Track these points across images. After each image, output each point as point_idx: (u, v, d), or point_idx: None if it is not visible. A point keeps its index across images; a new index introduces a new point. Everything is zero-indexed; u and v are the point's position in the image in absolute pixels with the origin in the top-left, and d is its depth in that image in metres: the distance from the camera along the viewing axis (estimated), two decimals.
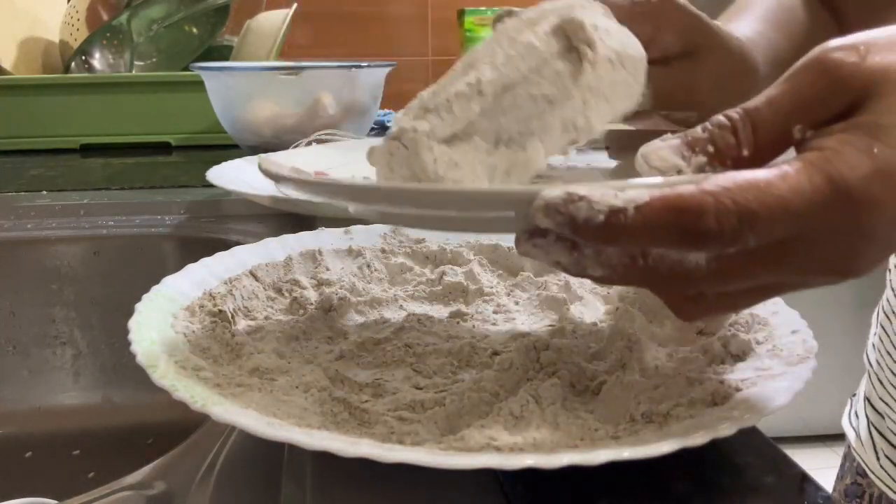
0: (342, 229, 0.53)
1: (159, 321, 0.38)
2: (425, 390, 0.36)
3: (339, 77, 0.98)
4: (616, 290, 0.46)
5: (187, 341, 0.37)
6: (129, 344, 0.35)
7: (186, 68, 1.14)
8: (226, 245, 0.51)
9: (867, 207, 0.25)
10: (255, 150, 0.94)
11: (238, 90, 0.98)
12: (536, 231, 0.26)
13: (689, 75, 0.38)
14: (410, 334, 0.42)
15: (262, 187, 0.72)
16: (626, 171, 0.36)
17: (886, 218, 0.25)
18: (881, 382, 0.61)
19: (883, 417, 0.60)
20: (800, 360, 0.34)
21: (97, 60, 1.19)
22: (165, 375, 0.32)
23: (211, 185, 0.72)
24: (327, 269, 0.49)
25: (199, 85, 1.04)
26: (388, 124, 1.22)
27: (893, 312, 0.60)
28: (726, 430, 0.29)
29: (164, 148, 1.14)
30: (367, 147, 0.42)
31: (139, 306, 0.39)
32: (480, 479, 0.31)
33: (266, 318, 0.43)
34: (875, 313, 0.64)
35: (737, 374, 0.35)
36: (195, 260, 0.45)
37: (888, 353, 0.60)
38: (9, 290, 0.68)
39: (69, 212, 0.74)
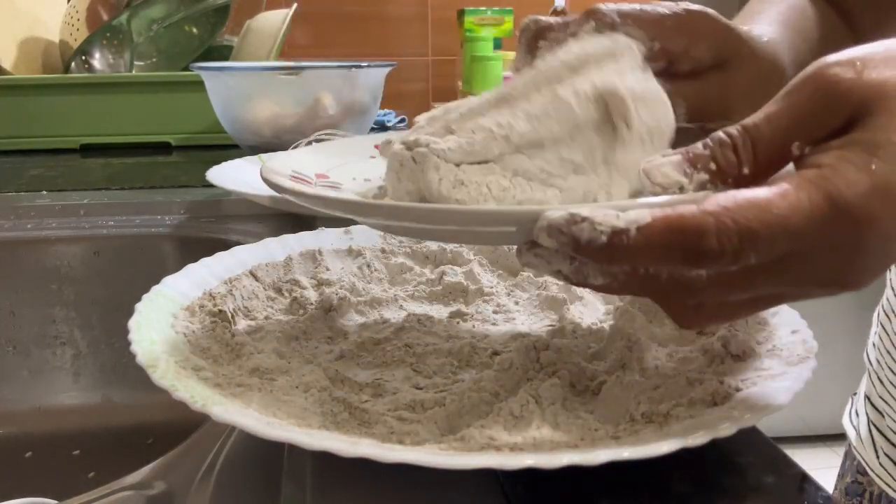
0: (342, 229, 0.53)
1: (159, 321, 0.38)
2: (425, 390, 0.36)
3: (339, 77, 0.98)
4: None
5: (187, 341, 0.37)
6: (129, 344, 0.35)
7: (186, 68, 1.14)
8: (226, 245, 0.51)
9: (866, 224, 0.25)
10: (255, 150, 0.94)
11: (238, 90, 0.99)
12: (537, 242, 0.27)
13: (722, 86, 0.38)
14: (410, 334, 0.42)
15: (262, 187, 0.72)
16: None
17: (884, 233, 0.25)
18: (881, 381, 0.61)
19: (883, 416, 0.60)
20: (800, 360, 0.34)
21: (97, 60, 1.19)
22: (165, 375, 0.32)
23: (211, 185, 0.72)
24: (327, 269, 0.49)
25: (199, 85, 1.04)
26: (389, 124, 1.22)
27: (893, 312, 0.60)
28: (726, 430, 0.29)
29: (164, 148, 1.14)
30: (366, 145, 0.42)
31: (139, 306, 0.39)
32: (480, 479, 0.31)
33: (266, 318, 0.43)
34: (876, 313, 0.64)
35: (737, 374, 0.35)
36: (195, 260, 0.45)
37: (888, 351, 0.60)
38: (9, 290, 0.68)
39: (69, 212, 0.74)
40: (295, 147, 0.84)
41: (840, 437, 0.68)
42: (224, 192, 0.73)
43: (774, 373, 0.34)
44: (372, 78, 1.01)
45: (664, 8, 0.37)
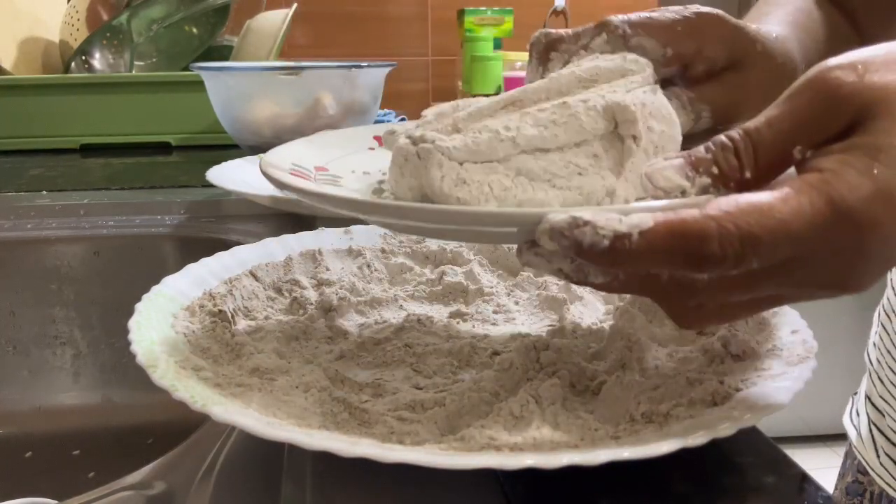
0: (342, 229, 0.53)
1: (159, 321, 0.38)
2: (425, 390, 0.36)
3: (339, 77, 0.98)
4: None
5: (187, 341, 0.37)
6: (129, 344, 0.35)
7: (186, 68, 1.14)
8: (226, 245, 0.51)
9: (868, 228, 0.25)
10: (255, 150, 0.94)
11: (238, 90, 0.99)
12: (538, 242, 0.27)
13: (739, 86, 0.38)
14: (410, 334, 0.42)
15: (262, 187, 0.72)
16: None
17: (886, 237, 0.25)
18: (881, 381, 0.61)
19: (883, 415, 0.60)
20: (800, 360, 0.34)
21: (97, 60, 1.19)
22: (165, 375, 0.32)
23: (211, 185, 0.72)
24: (327, 269, 0.49)
25: (199, 85, 1.04)
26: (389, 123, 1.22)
27: (894, 311, 0.60)
28: (726, 430, 0.29)
29: (164, 148, 1.14)
30: (365, 136, 0.42)
31: (139, 306, 0.39)
32: (480, 479, 0.31)
33: (266, 318, 0.43)
34: (876, 313, 0.64)
35: (737, 374, 0.35)
36: (195, 260, 0.45)
37: (888, 351, 0.60)
38: (9, 290, 0.68)
39: (69, 212, 0.74)
40: None
41: (840, 437, 0.68)
42: (224, 192, 0.73)
43: (774, 373, 0.34)
44: (372, 78, 1.01)
45: (673, 13, 0.37)
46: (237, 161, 0.81)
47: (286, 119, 0.98)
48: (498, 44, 2.13)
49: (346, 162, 0.42)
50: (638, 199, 0.32)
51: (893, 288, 0.61)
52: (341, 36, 2.36)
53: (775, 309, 0.40)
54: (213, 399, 0.31)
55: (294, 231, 0.52)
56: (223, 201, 0.77)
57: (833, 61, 0.27)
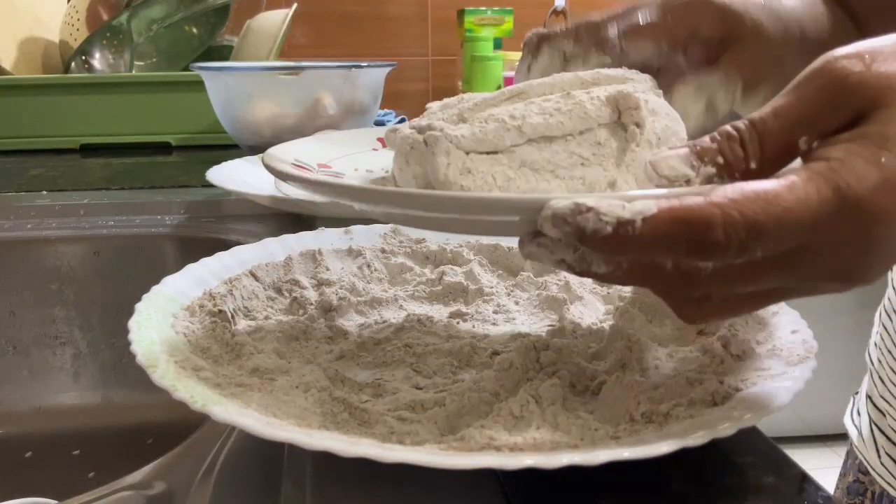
0: (342, 229, 0.53)
1: (159, 321, 0.38)
2: (425, 390, 0.36)
3: (339, 77, 0.98)
4: (616, 289, 0.46)
5: (187, 341, 0.37)
6: (129, 344, 0.35)
7: (186, 68, 1.14)
8: (226, 245, 0.51)
9: (876, 218, 0.25)
10: (255, 150, 0.94)
11: (238, 90, 0.98)
12: (540, 232, 0.27)
13: (743, 61, 0.38)
14: (410, 334, 0.42)
15: (262, 187, 0.72)
16: None
17: (894, 227, 0.25)
18: (882, 381, 0.61)
19: (884, 415, 0.60)
20: (800, 360, 0.34)
21: (97, 60, 1.19)
22: (165, 375, 0.32)
23: (211, 185, 0.72)
24: (327, 269, 0.49)
25: (199, 85, 1.04)
26: (389, 124, 1.22)
27: (895, 311, 0.60)
28: (726, 430, 0.29)
29: (164, 148, 1.14)
30: (369, 137, 0.42)
31: (139, 306, 0.39)
32: (480, 479, 0.31)
33: (266, 318, 0.43)
34: (877, 313, 0.64)
35: (737, 374, 0.35)
36: (195, 260, 0.45)
37: (889, 351, 0.60)
38: (9, 290, 0.68)
39: (69, 212, 0.74)
40: None
41: (840, 437, 0.68)
42: (224, 192, 0.73)
43: (774, 373, 0.34)
44: (372, 78, 1.01)
45: (662, 7, 0.37)
46: (237, 161, 0.81)
47: (286, 119, 0.98)
48: (498, 44, 2.13)
49: (348, 161, 0.42)
50: (641, 188, 0.32)
51: (894, 288, 0.61)
52: (341, 36, 2.36)
53: (775, 309, 0.40)
54: (213, 399, 0.31)
55: (294, 231, 0.52)
56: (223, 201, 0.77)
57: (839, 51, 0.27)
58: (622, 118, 0.33)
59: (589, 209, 0.25)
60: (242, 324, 0.42)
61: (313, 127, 0.95)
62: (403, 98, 2.27)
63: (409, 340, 0.41)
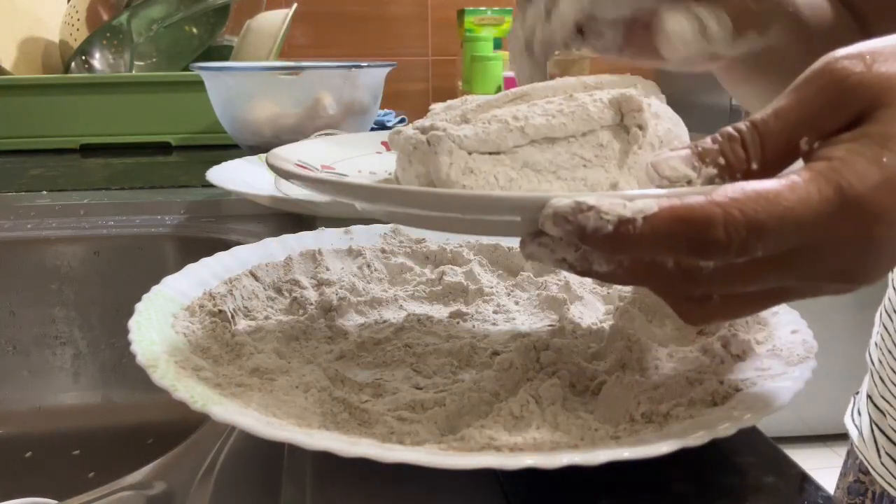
0: (342, 229, 0.53)
1: (159, 321, 0.38)
2: (425, 390, 0.36)
3: (339, 77, 0.98)
4: (616, 289, 0.46)
5: (187, 341, 0.37)
6: (129, 344, 0.35)
7: (186, 68, 1.14)
8: (226, 245, 0.51)
9: (877, 217, 0.25)
10: (255, 150, 0.95)
11: (238, 90, 0.99)
12: (541, 231, 0.27)
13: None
14: (410, 334, 0.42)
15: (262, 187, 0.72)
16: None
17: None
18: (882, 381, 0.61)
19: (884, 415, 0.60)
20: (800, 360, 0.34)
21: (97, 60, 1.19)
22: (165, 375, 0.32)
23: (211, 185, 0.72)
24: (327, 269, 0.49)
25: (199, 85, 1.04)
26: (389, 124, 1.23)
27: (895, 311, 0.60)
28: (726, 430, 0.29)
29: (164, 148, 1.14)
30: (373, 140, 0.42)
31: (139, 306, 0.39)
32: (480, 479, 0.31)
33: (266, 318, 0.43)
34: (878, 312, 0.64)
35: (737, 374, 0.35)
36: (195, 260, 0.45)
37: (889, 351, 0.60)
38: (9, 290, 0.68)
39: (69, 212, 0.74)
40: None
41: (840, 437, 0.68)
42: (224, 192, 0.73)
43: (774, 373, 0.34)
44: (372, 78, 1.01)
45: None
46: (237, 161, 0.81)
47: (286, 119, 0.98)
48: (498, 44, 2.13)
49: (352, 163, 0.42)
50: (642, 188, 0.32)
51: (895, 288, 0.61)
52: (341, 36, 2.36)
53: (775, 308, 0.40)
54: (213, 399, 0.31)
55: (294, 231, 0.52)
56: (223, 201, 0.77)
57: (840, 52, 0.27)
58: (624, 120, 0.33)
59: (590, 207, 0.25)
60: (242, 324, 0.42)
61: (313, 127, 0.95)
62: (403, 98, 2.27)
63: (409, 340, 0.41)
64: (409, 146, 0.33)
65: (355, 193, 0.32)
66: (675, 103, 0.37)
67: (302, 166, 0.39)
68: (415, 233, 0.53)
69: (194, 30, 1.28)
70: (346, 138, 0.46)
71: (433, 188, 0.32)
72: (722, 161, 0.27)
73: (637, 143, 0.32)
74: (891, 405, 0.60)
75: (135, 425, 0.67)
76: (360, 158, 0.43)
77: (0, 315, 0.68)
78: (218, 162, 0.79)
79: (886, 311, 0.62)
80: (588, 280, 0.48)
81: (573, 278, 0.47)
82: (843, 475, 0.68)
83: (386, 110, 1.29)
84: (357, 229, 0.53)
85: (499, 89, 1.99)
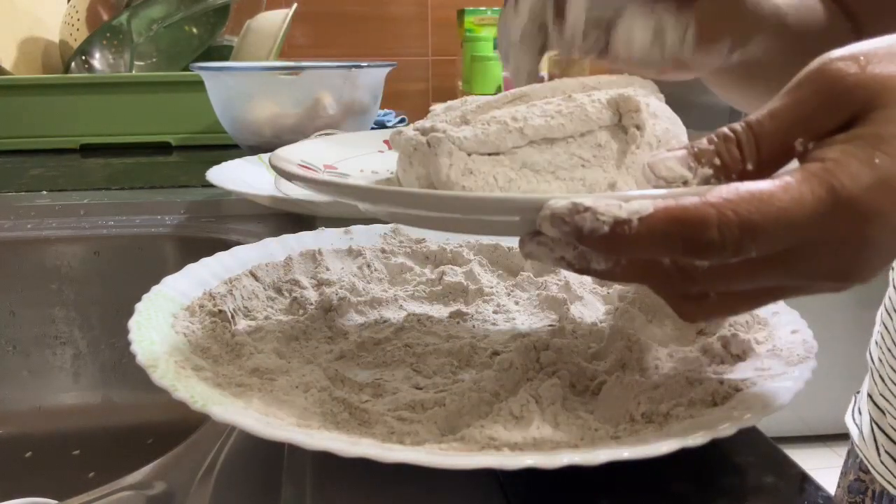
0: (342, 229, 0.53)
1: (159, 321, 0.38)
2: (425, 390, 0.36)
3: (339, 77, 0.98)
4: (616, 289, 0.46)
5: (187, 341, 0.37)
6: (129, 344, 0.35)
7: (186, 68, 1.14)
8: (226, 245, 0.51)
9: (870, 217, 0.25)
10: (255, 150, 0.95)
11: (238, 90, 0.99)
12: (540, 231, 0.27)
13: (702, 11, 0.39)
14: (410, 334, 0.42)
15: (262, 187, 0.72)
16: None
17: (888, 226, 0.25)
18: (882, 379, 0.61)
19: (884, 414, 0.61)
20: (800, 360, 0.34)
21: (97, 60, 1.19)
22: (165, 375, 0.32)
23: (211, 185, 0.72)
24: (327, 269, 0.49)
25: (199, 85, 1.04)
26: (389, 124, 1.22)
27: (895, 310, 0.60)
28: (726, 430, 0.29)
29: (164, 148, 1.14)
30: (375, 139, 0.43)
31: (139, 306, 0.39)
32: (480, 479, 0.31)
33: (266, 318, 0.43)
34: (879, 311, 0.64)
35: (737, 374, 0.35)
36: (195, 260, 0.45)
37: (888, 349, 0.60)
38: (9, 290, 0.68)
39: (69, 212, 0.74)
40: None
41: (840, 437, 0.68)
42: (224, 192, 0.73)
43: (774, 373, 0.34)
44: (372, 78, 1.01)
45: None
46: (237, 161, 0.81)
47: (286, 119, 0.98)
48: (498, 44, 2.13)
49: (354, 162, 0.43)
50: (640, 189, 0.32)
51: (895, 286, 0.61)
52: (341, 36, 2.36)
53: (775, 308, 0.40)
54: (213, 399, 0.31)
55: (294, 231, 0.52)
56: (223, 201, 0.77)
57: (835, 53, 0.27)
58: (623, 120, 0.33)
59: (586, 209, 0.25)
60: (242, 324, 0.42)
61: (313, 127, 0.95)
62: (403, 98, 2.27)
63: (409, 340, 0.41)
64: (410, 147, 0.33)
65: (357, 195, 0.32)
66: (674, 103, 0.37)
67: (305, 167, 0.39)
68: (415, 233, 0.53)
69: (194, 30, 1.28)
70: (348, 137, 0.46)
71: (433, 190, 0.32)
72: (717, 161, 0.28)
73: (635, 143, 0.33)
74: (890, 404, 0.60)
75: (135, 425, 0.67)
76: (363, 157, 0.43)
77: (0, 315, 0.68)
78: (218, 162, 0.79)
79: (886, 310, 0.62)
80: (588, 280, 0.48)
81: (573, 278, 0.47)
82: (843, 474, 0.68)
83: (386, 110, 1.29)
84: (357, 229, 0.53)
85: (499, 89, 1.99)
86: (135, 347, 0.34)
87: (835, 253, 0.26)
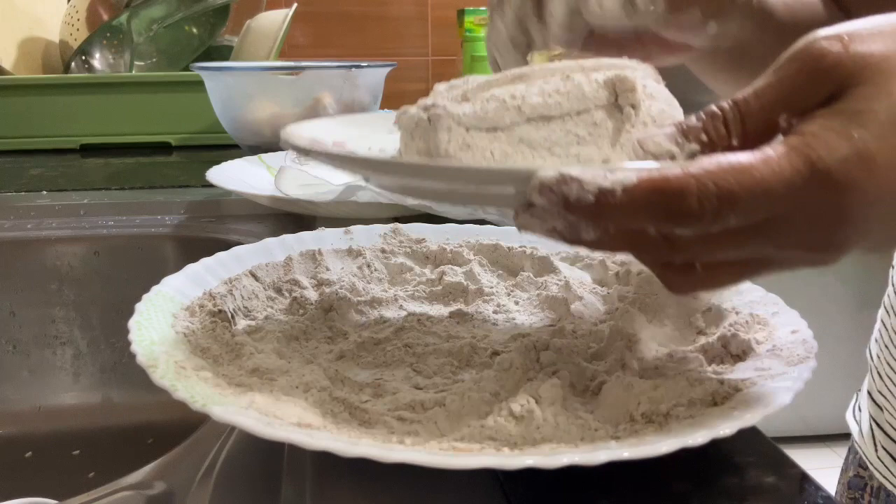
0: (342, 229, 0.53)
1: (159, 321, 0.38)
2: (425, 390, 0.36)
3: (339, 77, 0.98)
4: (616, 289, 0.46)
5: (187, 341, 0.37)
6: (129, 344, 0.35)
7: (186, 68, 1.14)
8: (226, 245, 0.51)
9: (845, 189, 0.26)
10: (255, 150, 0.95)
11: (238, 90, 0.99)
12: (533, 203, 0.28)
13: None
14: (410, 334, 0.42)
15: (262, 187, 0.72)
16: None
17: (866, 200, 0.26)
18: (880, 376, 0.61)
19: (882, 410, 0.61)
20: (800, 360, 0.34)
21: (97, 60, 1.19)
22: (165, 375, 0.32)
23: (211, 185, 0.72)
24: (327, 269, 0.49)
25: (199, 85, 1.04)
26: None
27: (893, 308, 0.60)
28: (726, 430, 0.29)
29: (164, 148, 1.14)
30: (387, 119, 0.44)
31: (139, 306, 0.39)
32: (480, 479, 0.31)
33: (266, 318, 0.43)
34: (880, 311, 0.64)
35: (737, 374, 0.35)
36: (195, 260, 0.45)
37: (886, 346, 0.60)
38: (9, 290, 0.68)
39: (69, 212, 0.74)
40: None
41: (840, 437, 0.68)
42: (224, 192, 0.73)
43: (774, 373, 0.34)
44: (372, 78, 1.01)
45: None
46: (237, 161, 0.81)
47: (286, 119, 0.98)
48: None
49: (364, 140, 0.43)
50: None
51: (894, 285, 0.61)
52: (341, 36, 2.36)
53: (775, 309, 0.40)
54: (213, 399, 0.31)
55: (294, 231, 0.52)
56: (223, 201, 0.77)
57: (821, 32, 0.28)
58: (619, 100, 0.34)
59: (573, 179, 0.26)
60: (242, 324, 0.42)
61: None
62: (403, 98, 2.26)
63: (409, 340, 0.41)
64: (412, 123, 0.35)
65: (353, 165, 0.33)
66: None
67: (313, 143, 0.40)
68: (415, 233, 0.54)
69: (194, 30, 1.28)
70: (361, 117, 0.47)
71: (426, 159, 0.33)
72: (704, 137, 0.29)
73: (630, 122, 0.34)
74: (887, 400, 0.60)
75: (135, 425, 0.67)
76: (372, 136, 0.44)
77: (0, 315, 0.68)
78: (218, 162, 0.79)
79: (885, 309, 0.62)
80: (588, 280, 0.48)
81: (573, 278, 0.47)
82: (843, 471, 0.69)
83: (386, 110, 1.29)
84: (357, 229, 0.53)
85: None
86: (135, 347, 0.34)
87: (812, 224, 0.27)
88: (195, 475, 0.33)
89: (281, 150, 0.84)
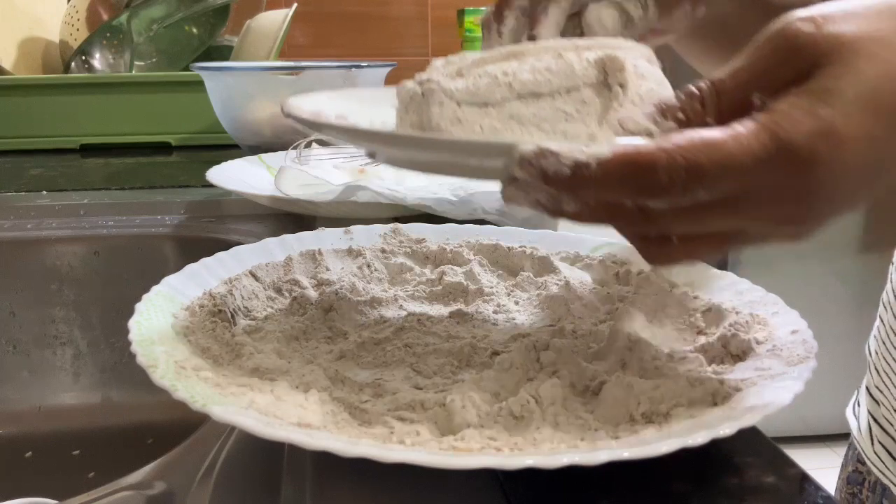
0: (342, 229, 0.53)
1: (159, 321, 0.38)
2: (425, 390, 0.36)
3: (340, 77, 0.98)
4: (616, 289, 0.46)
5: (187, 341, 0.37)
6: (129, 344, 0.35)
7: (186, 68, 1.14)
8: (226, 245, 0.51)
9: (811, 164, 0.26)
10: (255, 150, 0.95)
11: (238, 90, 0.99)
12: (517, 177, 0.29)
13: None
14: (410, 334, 0.42)
15: (262, 187, 0.72)
16: None
17: (832, 174, 0.27)
18: (878, 371, 0.62)
19: (878, 405, 0.61)
20: (800, 360, 0.34)
21: (97, 60, 1.19)
22: (165, 375, 0.32)
23: (211, 185, 0.72)
24: (327, 269, 0.49)
25: (199, 85, 1.04)
26: None
27: (891, 303, 0.61)
28: (726, 430, 0.29)
29: (164, 148, 1.14)
30: (390, 95, 0.45)
31: (139, 306, 0.39)
32: (480, 479, 0.31)
33: (266, 318, 0.43)
34: (879, 308, 0.65)
35: (737, 374, 0.35)
36: (195, 260, 0.45)
37: (883, 341, 0.61)
38: (9, 290, 0.68)
39: (69, 212, 0.74)
40: (295, 147, 0.84)
41: (840, 437, 0.68)
42: (224, 192, 0.73)
43: (774, 373, 0.34)
44: (372, 78, 1.01)
45: None
46: (237, 161, 0.81)
47: (286, 119, 0.98)
48: None
49: (365, 115, 0.44)
50: None
51: (892, 282, 0.62)
52: (341, 36, 2.36)
53: (775, 309, 0.40)
54: (213, 399, 0.31)
55: (294, 231, 0.52)
56: (223, 201, 0.77)
57: (796, 13, 0.29)
58: (608, 79, 0.35)
59: (551, 153, 0.27)
60: (242, 324, 0.42)
61: None
62: None
63: (409, 340, 0.41)
64: (407, 97, 0.36)
65: (353, 136, 0.35)
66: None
67: (315, 115, 0.41)
68: (415, 233, 0.54)
69: (194, 30, 1.28)
70: (363, 92, 0.49)
71: (418, 132, 0.34)
72: (682, 116, 0.30)
73: (617, 101, 0.34)
74: (884, 394, 0.60)
75: (135, 425, 0.67)
76: (373, 110, 0.45)
77: (0, 315, 0.68)
78: (218, 162, 0.79)
79: (884, 305, 0.62)
80: (588, 280, 0.49)
81: (573, 278, 0.47)
82: (843, 466, 0.69)
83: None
84: (357, 229, 0.53)
85: None
86: (135, 347, 0.34)
87: (780, 198, 0.28)
88: (195, 475, 0.33)
89: (281, 150, 0.84)
